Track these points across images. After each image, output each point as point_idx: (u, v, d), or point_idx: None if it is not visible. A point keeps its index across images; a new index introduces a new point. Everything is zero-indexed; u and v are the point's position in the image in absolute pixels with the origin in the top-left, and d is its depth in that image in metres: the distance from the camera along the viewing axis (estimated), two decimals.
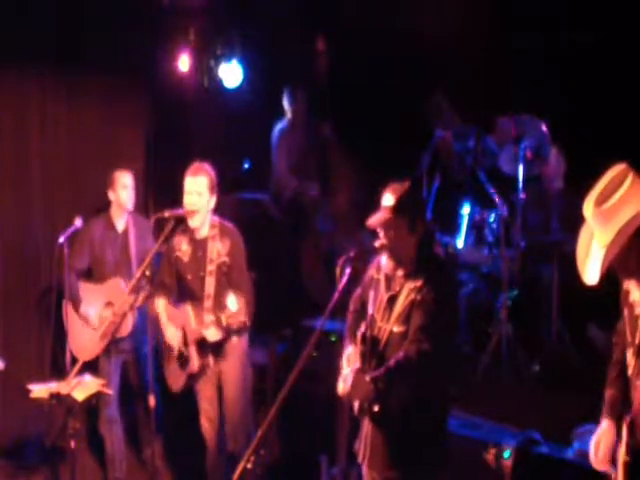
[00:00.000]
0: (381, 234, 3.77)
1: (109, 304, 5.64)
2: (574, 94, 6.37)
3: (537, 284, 6.27)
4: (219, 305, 4.95)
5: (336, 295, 3.61)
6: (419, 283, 3.74)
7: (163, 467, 5.78)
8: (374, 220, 3.77)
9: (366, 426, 3.88)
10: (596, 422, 3.26)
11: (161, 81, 6.99)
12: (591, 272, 2.99)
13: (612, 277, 3.06)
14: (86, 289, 5.75)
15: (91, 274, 5.81)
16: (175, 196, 5.47)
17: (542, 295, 6.17)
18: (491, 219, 6.46)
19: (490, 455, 4.69)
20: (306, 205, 7.64)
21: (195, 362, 5.13)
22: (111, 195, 5.73)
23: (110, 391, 5.33)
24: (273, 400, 3.40)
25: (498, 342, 6.05)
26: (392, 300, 3.81)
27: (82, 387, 4.89)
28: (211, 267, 5.11)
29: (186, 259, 5.18)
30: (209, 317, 4.94)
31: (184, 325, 5.17)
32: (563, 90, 6.44)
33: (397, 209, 3.73)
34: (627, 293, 3.15)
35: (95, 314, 5.66)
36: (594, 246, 3.01)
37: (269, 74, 7.51)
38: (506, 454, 4.63)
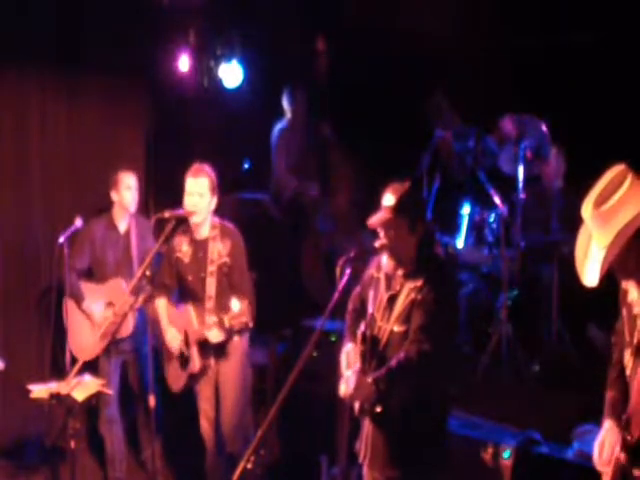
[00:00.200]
0: (381, 234, 3.78)
1: (110, 304, 5.64)
2: (574, 94, 6.36)
3: (537, 284, 6.27)
4: (221, 306, 4.95)
5: (336, 295, 3.61)
6: (419, 283, 3.74)
7: (163, 467, 5.78)
8: (374, 220, 3.77)
9: (367, 426, 3.88)
10: (596, 422, 3.26)
11: (161, 81, 6.99)
12: (590, 274, 2.99)
13: (612, 277, 3.06)
14: (87, 289, 5.76)
15: (92, 274, 5.81)
16: (175, 196, 5.47)
17: (542, 295, 6.16)
18: (491, 219, 6.46)
19: (488, 455, 4.69)
20: (306, 205, 7.64)
21: (196, 363, 5.13)
22: (114, 196, 5.73)
23: (110, 391, 5.33)
24: (273, 400, 3.40)
25: (498, 342, 6.05)
26: (392, 300, 3.81)
27: (82, 387, 4.90)
28: (212, 268, 5.10)
29: (187, 260, 5.18)
30: (211, 318, 4.92)
31: (186, 326, 5.16)
32: (563, 90, 6.44)
33: (397, 209, 3.73)
34: (625, 293, 3.15)
35: (99, 311, 5.66)
36: (593, 247, 3.01)
37: (269, 74, 7.51)
38: (506, 454, 4.63)
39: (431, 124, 6.89)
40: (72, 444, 4.91)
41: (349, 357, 3.85)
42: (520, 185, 6.21)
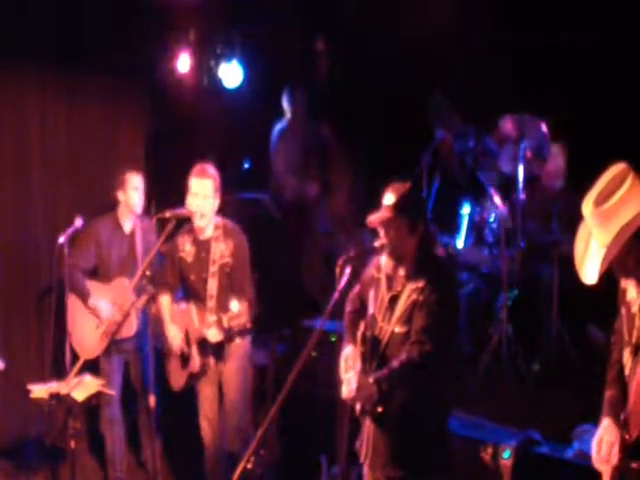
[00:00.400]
0: (381, 233, 3.78)
1: (114, 304, 5.65)
2: (574, 94, 6.36)
3: (537, 284, 6.26)
4: (222, 306, 4.96)
5: (336, 295, 3.61)
6: (421, 284, 3.74)
7: (163, 467, 5.77)
8: (374, 218, 3.77)
9: (368, 426, 3.88)
10: (596, 422, 3.26)
11: (161, 81, 6.99)
12: (590, 271, 2.99)
13: (611, 277, 3.06)
14: (91, 287, 5.76)
15: (96, 273, 5.81)
16: (175, 196, 5.47)
17: (542, 295, 6.16)
18: (491, 219, 6.46)
19: (488, 455, 4.69)
20: (306, 205, 7.63)
21: (196, 362, 5.14)
22: (121, 196, 5.73)
23: (111, 391, 5.33)
24: (273, 400, 3.40)
25: (498, 342, 6.05)
26: (393, 300, 3.81)
27: (82, 387, 4.90)
28: (214, 268, 5.11)
29: (190, 259, 5.19)
30: (211, 317, 4.94)
31: (187, 324, 5.17)
32: (563, 90, 6.44)
33: (398, 208, 3.73)
34: (624, 292, 3.15)
35: (106, 308, 5.66)
36: (593, 246, 3.01)
37: (269, 74, 7.51)
38: (506, 454, 4.63)
39: (431, 124, 6.89)
40: (72, 444, 4.92)
41: (347, 361, 3.85)
42: (520, 185, 6.21)
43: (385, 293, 3.85)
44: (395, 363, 3.67)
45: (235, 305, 4.77)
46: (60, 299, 5.81)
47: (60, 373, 5.51)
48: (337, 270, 3.68)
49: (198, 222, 5.08)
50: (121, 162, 6.61)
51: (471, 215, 6.57)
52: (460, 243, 6.58)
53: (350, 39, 7.27)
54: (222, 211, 5.30)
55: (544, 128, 6.23)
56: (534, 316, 6.22)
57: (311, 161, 7.73)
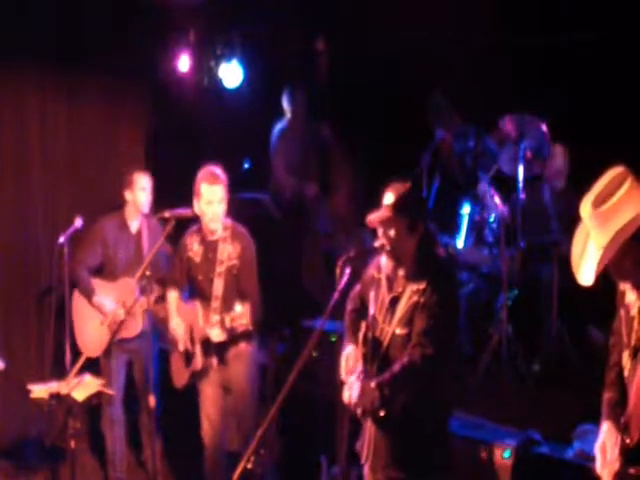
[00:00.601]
0: (380, 233, 3.77)
1: (119, 302, 5.65)
2: (574, 94, 6.36)
3: (537, 284, 6.26)
4: (226, 307, 4.98)
5: (336, 295, 3.60)
6: (422, 285, 3.73)
7: (163, 467, 5.77)
8: (374, 217, 3.76)
9: (369, 427, 3.87)
10: (596, 422, 3.25)
11: (161, 81, 6.99)
12: (586, 273, 2.99)
13: (611, 277, 3.06)
14: (97, 285, 5.77)
15: (102, 271, 5.82)
16: (175, 196, 5.48)
17: (542, 295, 6.16)
18: (491, 219, 6.46)
19: (488, 455, 4.69)
20: (306, 205, 7.63)
21: (199, 360, 5.15)
22: (128, 196, 5.75)
23: (111, 391, 5.33)
24: (273, 400, 3.40)
25: (498, 342, 6.05)
26: (394, 302, 3.81)
27: (82, 387, 4.91)
28: (220, 269, 5.13)
29: (198, 259, 5.22)
30: (215, 317, 4.97)
31: (192, 323, 5.19)
32: (563, 90, 6.44)
33: (397, 208, 3.73)
34: (623, 294, 3.14)
35: (110, 305, 5.67)
36: (590, 247, 3.01)
37: (269, 74, 7.51)
38: (506, 454, 4.62)
39: (431, 124, 6.89)
40: (72, 444, 4.92)
41: (348, 361, 3.85)
42: (520, 185, 6.20)
43: (386, 294, 3.85)
44: (397, 367, 3.66)
45: (238, 307, 4.80)
46: (60, 299, 5.82)
47: (60, 373, 5.52)
48: (337, 270, 3.68)
49: (211, 226, 5.13)
50: (121, 162, 6.63)
51: (471, 215, 6.56)
52: (460, 243, 6.58)
53: (350, 39, 7.27)
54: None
55: (544, 128, 6.23)
56: (534, 316, 6.22)
57: (311, 161, 7.73)
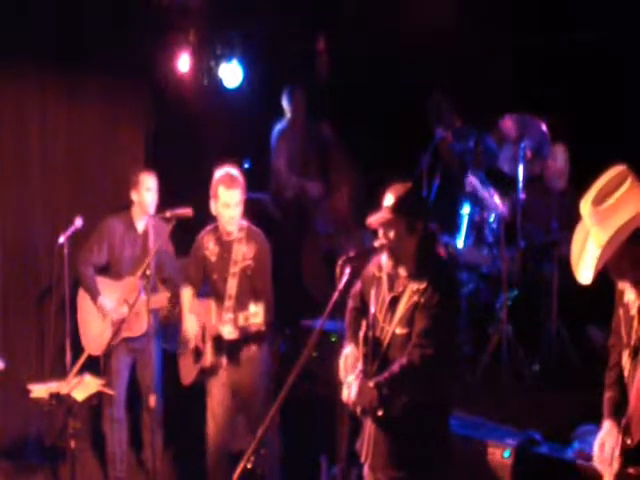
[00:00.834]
0: (381, 234, 3.78)
1: (125, 301, 5.66)
2: (574, 94, 6.36)
3: (537, 284, 6.26)
4: (239, 306, 5.02)
5: (336, 295, 3.60)
6: (422, 285, 3.73)
7: (163, 467, 5.77)
8: (374, 219, 3.77)
9: (369, 427, 3.88)
10: (596, 422, 3.26)
11: (161, 81, 6.99)
12: (585, 271, 2.99)
13: (610, 276, 3.05)
14: (102, 283, 5.78)
15: (107, 270, 5.83)
16: (175, 196, 5.48)
17: (542, 295, 6.16)
18: (491, 219, 6.46)
19: (487, 455, 4.69)
20: (306, 205, 7.63)
21: (208, 358, 5.16)
22: (134, 196, 5.76)
23: (111, 391, 5.33)
24: (273, 400, 3.41)
25: (498, 342, 6.05)
26: (394, 301, 3.81)
27: (82, 387, 4.91)
28: (234, 269, 5.16)
29: (213, 259, 5.25)
30: (228, 315, 4.99)
31: (205, 320, 5.21)
32: (563, 90, 6.44)
33: (397, 209, 3.74)
34: (622, 293, 3.14)
35: (112, 306, 5.68)
36: (589, 245, 3.01)
37: (269, 74, 7.51)
38: (506, 454, 4.63)
39: (431, 124, 6.89)
40: (72, 444, 4.92)
41: (347, 361, 3.85)
42: (520, 185, 6.20)
43: (386, 293, 3.85)
44: (396, 367, 3.67)
45: (252, 306, 4.83)
46: (61, 299, 5.82)
47: (60, 373, 5.52)
48: (337, 270, 3.68)
49: (227, 228, 5.17)
50: (121, 162, 6.63)
51: (471, 215, 6.56)
52: (460, 243, 6.58)
53: (350, 39, 7.27)
54: None
55: (544, 128, 6.23)
56: (534, 316, 6.22)
57: (312, 161, 7.73)
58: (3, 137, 6.23)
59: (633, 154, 3.17)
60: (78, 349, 5.62)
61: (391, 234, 3.74)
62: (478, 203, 6.50)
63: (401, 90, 7.03)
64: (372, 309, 3.87)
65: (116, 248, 5.78)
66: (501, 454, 4.64)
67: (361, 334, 3.80)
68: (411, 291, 3.76)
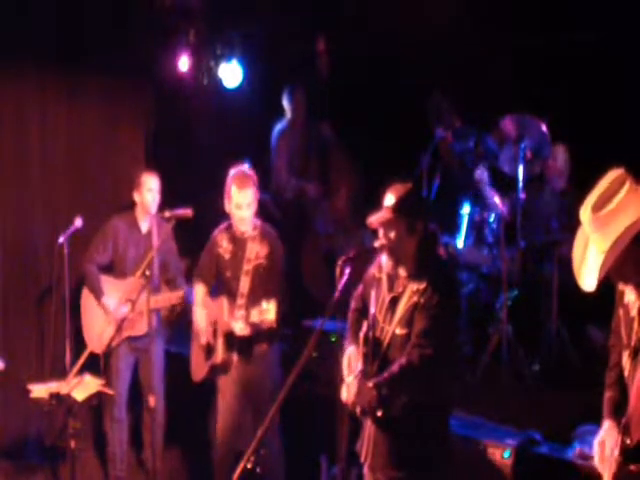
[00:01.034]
0: (381, 234, 3.78)
1: (128, 300, 5.66)
2: (574, 94, 6.36)
3: (537, 284, 6.26)
4: (251, 304, 5.02)
5: (336, 295, 3.60)
6: (422, 286, 3.73)
7: (163, 467, 5.77)
8: (374, 219, 3.77)
9: (368, 427, 3.88)
10: (596, 422, 3.25)
11: (161, 81, 6.99)
12: (588, 278, 2.98)
13: (612, 280, 3.05)
14: (106, 282, 5.78)
15: (111, 269, 5.83)
16: (175, 196, 5.48)
17: (542, 295, 6.16)
18: (491, 219, 6.46)
19: (488, 455, 4.69)
20: (306, 205, 7.63)
21: (219, 354, 5.17)
22: (136, 197, 5.77)
23: (111, 391, 5.33)
24: (273, 400, 3.41)
25: (498, 342, 6.05)
26: (394, 301, 3.81)
27: (82, 387, 4.90)
28: (247, 267, 5.20)
29: (227, 256, 5.28)
30: (240, 312, 5.02)
31: (217, 316, 5.22)
32: (563, 90, 6.44)
33: (397, 209, 3.74)
34: (622, 294, 3.14)
35: (114, 305, 5.68)
36: (591, 252, 2.99)
37: (269, 74, 7.51)
38: (506, 454, 4.63)
39: (431, 124, 6.89)
40: (72, 444, 4.92)
41: (350, 362, 3.85)
42: (520, 185, 6.21)
43: (386, 293, 3.85)
44: (395, 367, 3.67)
45: (265, 304, 4.85)
46: (61, 299, 5.82)
47: (60, 373, 5.52)
48: (337, 270, 3.68)
49: (240, 227, 5.20)
50: (121, 162, 6.63)
51: (471, 215, 6.57)
52: (460, 243, 6.58)
53: (350, 39, 7.27)
54: (222, 211, 5.32)
55: (544, 128, 6.23)
56: (534, 316, 6.22)
57: (311, 161, 7.73)
58: (3, 137, 6.23)
59: (633, 154, 3.18)
60: (78, 349, 5.62)
61: (391, 234, 3.74)
62: (478, 203, 6.50)
63: (401, 90, 7.02)
64: (372, 309, 3.87)
65: (120, 248, 5.79)
66: (501, 454, 4.64)
67: (361, 334, 3.80)
68: (411, 291, 3.76)
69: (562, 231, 6.17)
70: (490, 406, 5.39)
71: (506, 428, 4.97)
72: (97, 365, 5.60)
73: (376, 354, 3.80)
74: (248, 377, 5.23)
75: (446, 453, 3.90)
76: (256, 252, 5.21)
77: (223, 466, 5.29)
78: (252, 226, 5.24)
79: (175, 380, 5.86)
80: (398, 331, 3.76)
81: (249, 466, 3.23)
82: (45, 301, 6.27)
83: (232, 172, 5.21)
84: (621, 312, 3.15)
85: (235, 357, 5.21)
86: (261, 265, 5.20)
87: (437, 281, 3.74)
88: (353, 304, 4.06)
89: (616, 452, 3.05)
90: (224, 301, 5.20)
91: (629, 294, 3.09)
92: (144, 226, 5.83)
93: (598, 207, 2.92)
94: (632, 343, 3.06)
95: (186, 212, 5.30)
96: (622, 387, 3.15)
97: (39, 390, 4.95)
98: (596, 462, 3.15)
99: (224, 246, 5.29)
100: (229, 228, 5.29)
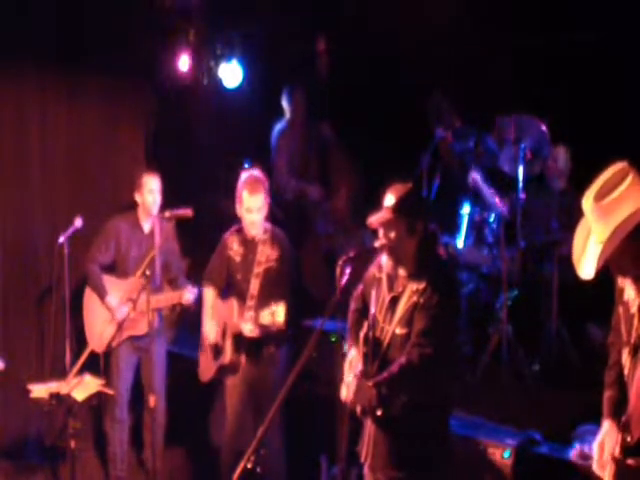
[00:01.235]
0: (381, 234, 3.78)
1: (129, 300, 5.66)
2: (574, 94, 6.36)
3: (537, 284, 6.26)
4: (261, 307, 5.04)
5: (336, 295, 3.61)
6: (422, 285, 3.74)
7: (163, 467, 5.77)
8: (374, 219, 3.77)
9: (369, 427, 3.88)
10: (596, 422, 3.25)
11: (161, 81, 6.99)
12: (587, 267, 2.99)
13: (611, 272, 3.05)
14: (109, 282, 5.78)
15: (114, 269, 5.83)
16: (175, 196, 5.48)
17: (542, 295, 6.17)
18: (491, 219, 6.46)
19: (488, 455, 4.69)
20: (307, 206, 7.63)
21: (227, 355, 5.19)
22: (138, 197, 5.77)
23: (110, 391, 5.33)
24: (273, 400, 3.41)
25: (498, 342, 6.05)
26: (394, 301, 3.81)
27: (82, 387, 4.91)
28: (258, 270, 5.23)
29: (238, 259, 5.30)
30: (249, 313, 5.06)
31: (226, 318, 5.24)
32: (563, 90, 6.44)
33: (397, 210, 3.74)
34: (621, 291, 3.14)
35: (115, 304, 5.68)
36: (591, 241, 3.01)
37: (269, 74, 7.51)
38: (506, 454, 4.63)
39: (431, 124, 6.89)
40: (72, 444, 4.92)
41: (352, 364, 3.85)
42: (520, 185, 6.21)
43: (386, 293, 3.86)
44: (395, 367, 3.67)
45: (274, 306, 4.88)
46: (61, 299, 5.82)
47: (60, 373, 5.52)
48: (337, 270, 3.68)
49: (250, 231, 5.23)
50: (121, 162, 6.63)
51: (471, 215, 6.57)
52: (460, 243, 6.58)
53: (350, 39, 7.27)
54: (222, 211, 5.32)
55: (544, 128, 6.23)
56: (534, 316, 6.22)
57: (311, 161, 7.72)
58: (3, 137, 6.23)
59: (633, 154, 3.17)
60: (78, 349, 5.62)
61: (391, 234, 3.75)
62: (478, 203, 6.50)
63: (401, 90, 7.03)
64: (372, 309, 3.87)
65: (122, 248, 5.79)
66: (501, 454, 4.65)
67: (361, 334, 3.80)
68: (411, 291, 3.76)
69: (562, 231, 6.17)
70: (490, 406, 5.39)
71: (506, 428, 4.97)
72: (97, 365, 5.61)
73: (376, 354, 3.80)
74: (255, 378, 5.25)
75: (446, 453, 3.90)
76: (267, 255, 5.24)
77: (231, 466, 5.28)
78: (262, 229, 5.27)
79: (177, 380, 5.87)
80: (398, 331, 3.76)
81: (249, 466, 3.23)
82: (45, 301, 6.27)
83: (243, 176, 5.25)
84: (621, 309, 3.15)
85: (243, 358, 5.23)
86: (271, 268, 5.23)
87: (437, 281, 3.74)
88: (353, 305, 4.06)
89: (617, 450, 3.05)
90: (234, 303, 5.22)
91: (629, 291, 3.09)
92: (146, 226, 5.83)
93: (600, 197, 2.93)
94: (632, 340, 3.07)
95: (186, 212, 5.31)
96: (622, 386, 3.15)
97: (39, 390, 4.96)
98: (595, 464, 3.15)
99: (235, 249, 5.31)
100: (240, 231, 5.31)
